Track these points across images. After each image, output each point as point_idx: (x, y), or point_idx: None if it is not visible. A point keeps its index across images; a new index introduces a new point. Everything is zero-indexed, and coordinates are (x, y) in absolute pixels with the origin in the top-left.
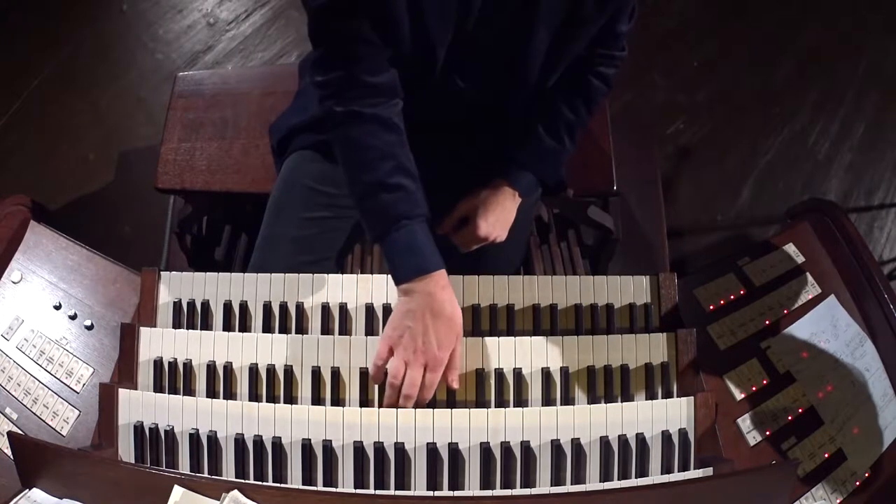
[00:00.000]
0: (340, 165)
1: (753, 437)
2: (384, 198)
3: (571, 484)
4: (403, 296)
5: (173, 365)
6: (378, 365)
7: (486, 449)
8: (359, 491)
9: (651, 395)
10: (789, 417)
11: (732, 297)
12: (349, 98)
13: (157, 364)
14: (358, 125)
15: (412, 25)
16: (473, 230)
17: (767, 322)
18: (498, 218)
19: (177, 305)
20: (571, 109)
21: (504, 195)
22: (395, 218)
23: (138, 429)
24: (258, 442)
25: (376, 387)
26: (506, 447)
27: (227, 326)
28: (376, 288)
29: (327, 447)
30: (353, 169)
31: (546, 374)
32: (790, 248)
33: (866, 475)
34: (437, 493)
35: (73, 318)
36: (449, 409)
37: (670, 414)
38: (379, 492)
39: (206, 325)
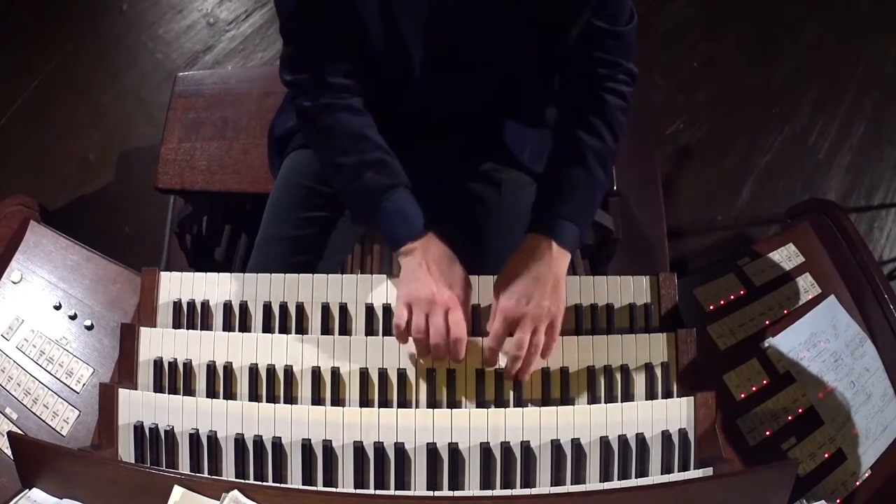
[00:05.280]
0: (318, 156)
1: (753, 437)
2: (368, 175)
3: (571, 484)
4: (403, 258)
5: (173, 365)
6: (399, 325)
7: (486, 449)
8: (359, 491)
9: (651, 395)
10: (789, 417)
11: (732, 297)
12: (316, 95)
13: (157, 364)
14: (329, 115)
15: (384, 30)
16: (515, 332)
17: (767, 322)
18: (555, 290)
19: (177, 305)
20: (593, 134)
21: (546, 259)
22: (383, 190)
23: (138, 429)
24: (258, 442)
25: (376, 387)
26: (506, 447)
27: (227, 326)
28: (376, 288)
29: (327, 447)
30: (334, 154)
31: (546, 374)
32: (790, 248)
33: (866, 475)
34: (437, 493)
35: (73, 318)
36: (449, 409)
37: (670, 414)
38: (379, 492)
39: (206, 325)
